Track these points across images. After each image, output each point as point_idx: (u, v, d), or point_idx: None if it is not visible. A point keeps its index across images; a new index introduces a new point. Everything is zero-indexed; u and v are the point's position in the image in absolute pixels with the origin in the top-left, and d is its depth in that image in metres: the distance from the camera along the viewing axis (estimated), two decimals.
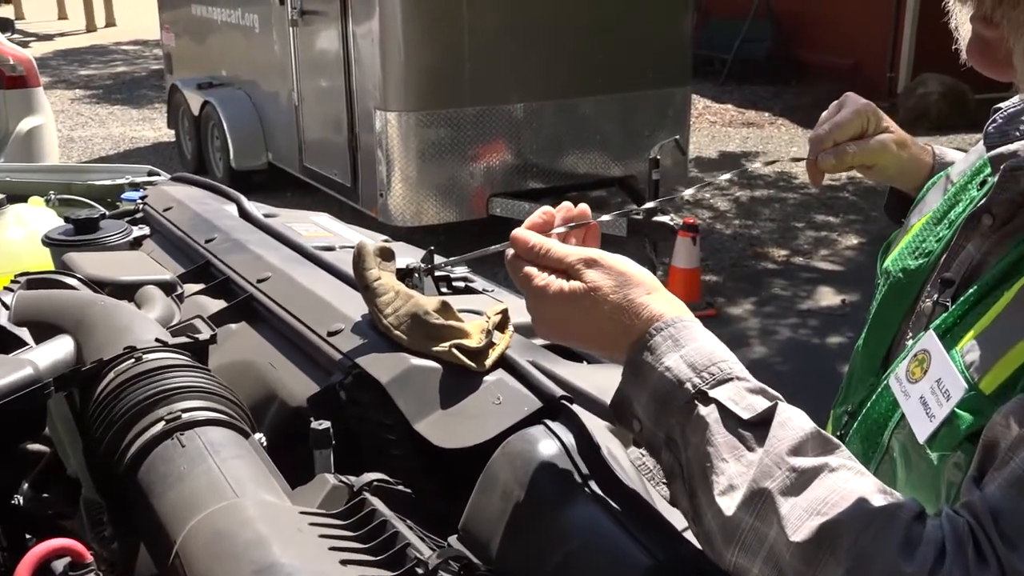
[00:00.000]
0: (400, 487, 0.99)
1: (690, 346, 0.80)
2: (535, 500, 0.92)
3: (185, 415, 1.04)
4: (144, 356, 1.15)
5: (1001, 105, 1.03)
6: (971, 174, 1.07)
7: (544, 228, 0.95)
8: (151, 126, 10.80)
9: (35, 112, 5.99)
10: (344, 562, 0.87)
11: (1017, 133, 0.99)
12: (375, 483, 0.98)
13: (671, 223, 5.43)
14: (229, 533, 0.88)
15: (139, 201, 2.08)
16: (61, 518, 1.19)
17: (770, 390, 0.80)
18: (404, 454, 1.13)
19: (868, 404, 1.04)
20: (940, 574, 0.66)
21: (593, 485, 0.91)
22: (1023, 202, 0.93)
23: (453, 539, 0.96)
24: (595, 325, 0.85)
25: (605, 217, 1.12)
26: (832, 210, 7.45)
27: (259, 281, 1.51)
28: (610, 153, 6.45)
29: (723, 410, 0.77)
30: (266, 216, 1.91)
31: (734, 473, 0.74)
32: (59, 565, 0.95)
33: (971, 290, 0.94)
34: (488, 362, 1.11)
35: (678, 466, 0.78)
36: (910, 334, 1.03)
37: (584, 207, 0.99)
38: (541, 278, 0.88)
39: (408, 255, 1.45)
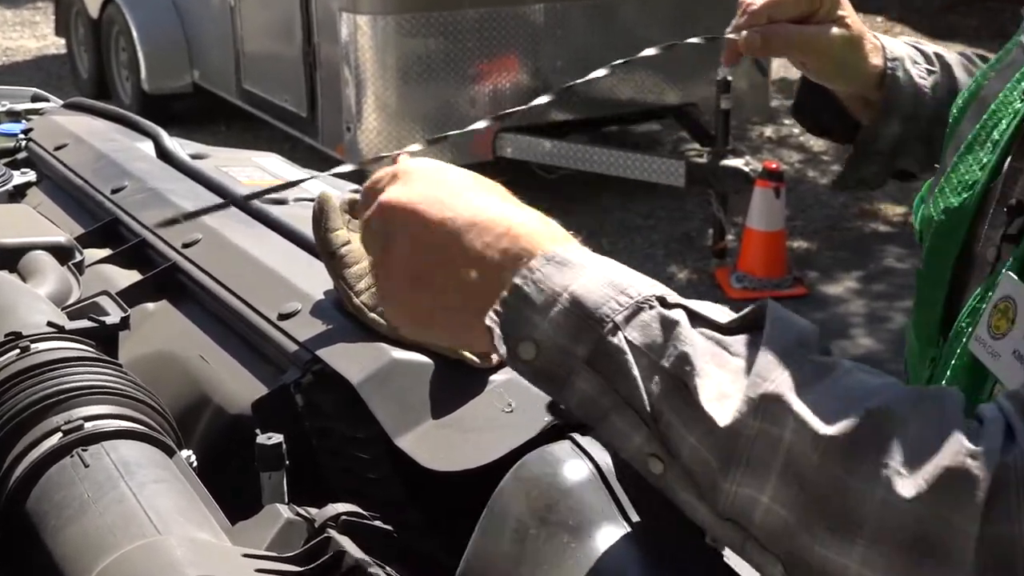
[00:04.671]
0: (376, 522, 1.01)
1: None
2: (559, 542, 0.93)
3: (88, 424, 1.06)
4: (32, 346, 1.17)
5: None
6: (1009, 88, 1.14)
7: None
8: (32, 32, 10.80)
9: None
10: None
11: None
12: (343, 517, 0.99)
13: (745, 168, 5.43)
14: None
15: (21, 136, 2.10)
16: None
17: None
18: (382, 478, 1.15)
19: (936, 383, 1.10)
20: (1013, 450, 0.71)
21: (636, 521, 0.93)
22: None
23: None
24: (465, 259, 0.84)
25: (479, 124, 1.14)
26: None
27: (185, 245, 1.52)
28: (663, 73, 6.43)
29: (692, 314, 0.79)
30: (193, 157, 1.92)
31: (723, 379, 0.76)
32: None
33: None
34: (497, 356, 1.13)
35: (612, 393, 0.78)
36: (973, 288, 1.09)
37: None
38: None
39: None
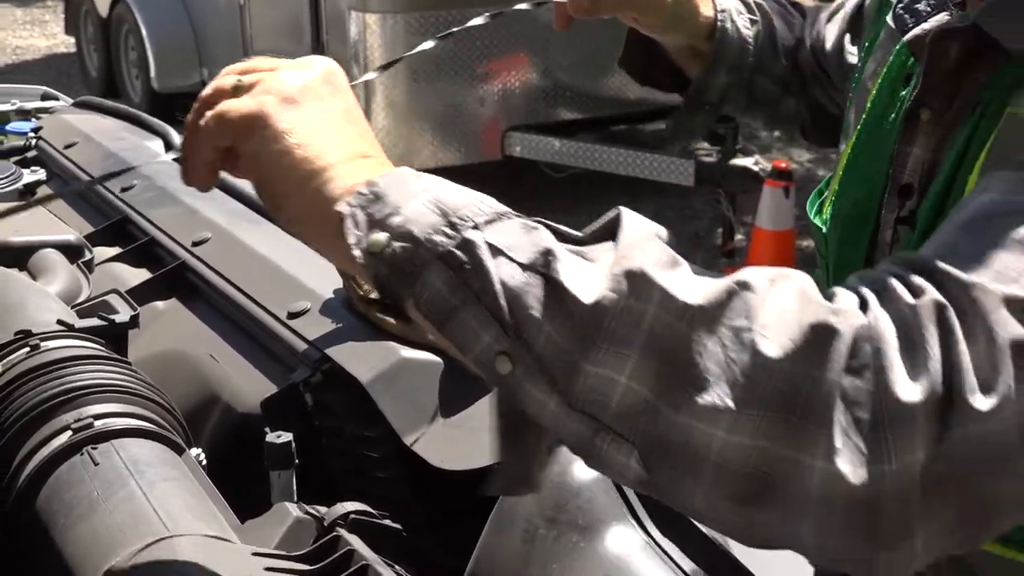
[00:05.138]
0: (386, 521, 1.01)
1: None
2: (569, 543, 0.94)
3: (98, 423, 1.06)
4: (42, 344, 1.17)
5: None
6: (886, 74, 1.15)
7: None
8: (42, 31, 10.82)
9: None
10: None
11: (927, 8, 1.08)
12: (352, 515, 0.99)
13: (755, 168, 5.42)
14: None
15: (31, 135, 2.10)
16: None
17: None
18: (391, 478, 1.15)
19: None
20: (867, 314, 0.72)
21: (648, 523, 0.93)
22: (957, 79, 1.00)
23: None
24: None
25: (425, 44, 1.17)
26: None
27: (195, 244, 1.53)
28: None
29: (552, 228, 0.78)
30: None
31: (586, 268, 0.75)
32: None
33: (928, 198, 1.02)
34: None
35: (465, 288, 0.74)
36: None
37: None
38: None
39: None
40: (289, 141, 0.82)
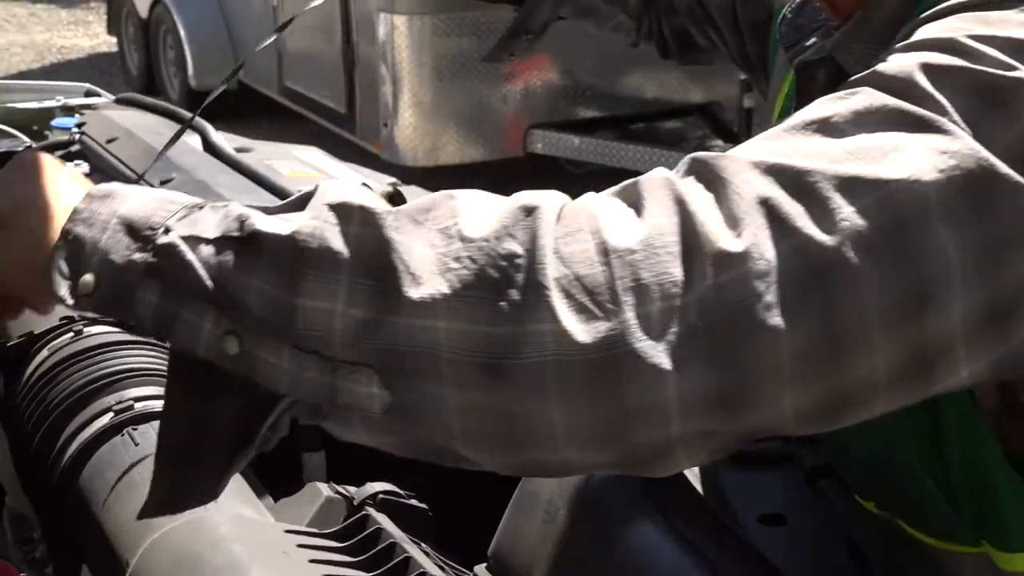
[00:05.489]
0: (412, 501, 1.01)
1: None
2: (588, 522, 0.93)
3: (139, 405, 1.07)
4: (85, 330, 1.18)
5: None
6: (785, 93, 1.16)
7: None
8: (85, 32, 10.87)
9: None
10: None
11: (809, 23, 1.08)
12: (380, 495, 1.00)
13: None
14: (196, 556, 0.90)
15: (75, 130, 2.11)
16: None
17: None
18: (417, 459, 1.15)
19: None
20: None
21: (663, 501, 0.93)
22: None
23: (480, 568, 0.98)
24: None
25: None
26: None
27: None
28: (688, 71, 6.41)
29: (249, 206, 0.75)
30: (238, 151, 1.93)
31: (285, 217, 0.71)
32: None
33: None
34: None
35: (175, 289, 0.71)
36: None
37: None
38: None
39: None
40: None
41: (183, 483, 0.74)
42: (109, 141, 1.97)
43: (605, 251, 0.67)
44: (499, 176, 5.81)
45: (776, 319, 0.66)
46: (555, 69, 6.13)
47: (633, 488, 0.95)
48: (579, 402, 0.66)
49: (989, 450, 0.85)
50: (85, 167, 1.92)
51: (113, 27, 8.93)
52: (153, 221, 0.73)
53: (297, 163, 2.04)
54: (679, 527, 0.91)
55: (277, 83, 7.23)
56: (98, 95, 2.42)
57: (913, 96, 0.71)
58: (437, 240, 0.69)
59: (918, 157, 0.68)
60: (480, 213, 0.70)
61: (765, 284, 0.66)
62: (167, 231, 0.72)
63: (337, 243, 0.69)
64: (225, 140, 1.97)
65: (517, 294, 0.66)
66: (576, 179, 6.12)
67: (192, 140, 1.99)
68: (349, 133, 6.52)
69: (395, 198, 1.32)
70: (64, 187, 0.78)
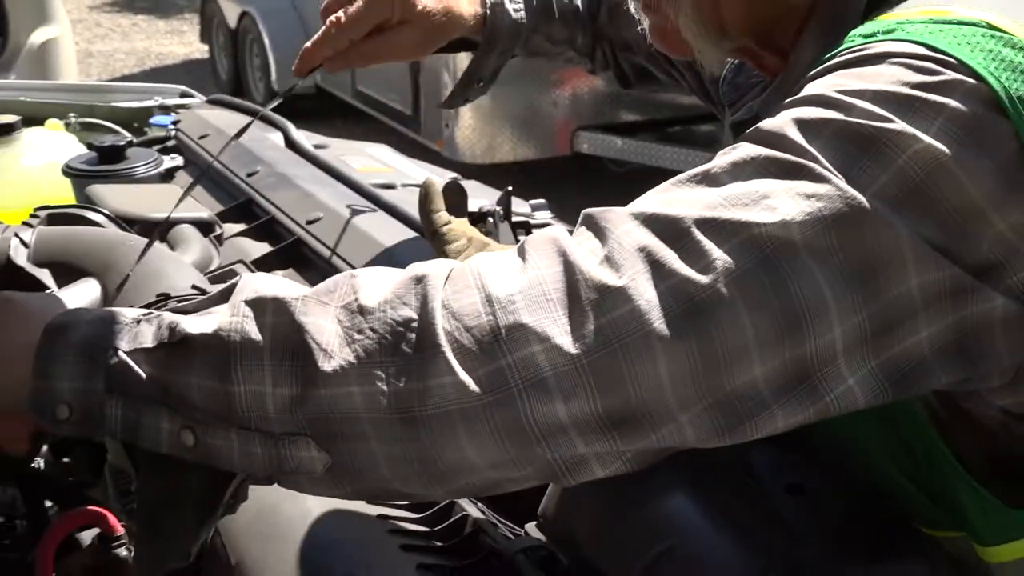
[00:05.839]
0: None
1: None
2: (627, 486, 0.93)
3: None
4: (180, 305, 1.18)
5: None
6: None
7: None
8: (180, 40, 10.96)
9: (49, 21, 6.08)
10: (406, 547, 0.89)
11: (747, 81, 1.07)
12: None
13: None
14: (278, 510, 0.91)
15: (171, 127, 2.13)
16: (84, 487, 1.24)
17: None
18: None
19: None
20: None
21: (700, 474, 0.92)
22: None
23: (531, 527, 0.98)
24: None
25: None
26: None
27: (309, 223, 1.54)
28: None
29: (176, 308, 0.78)
30: (316, 147, 1.94)
31: (209, 316, 0.74)
32: (87, 537, 0.99)
33: None
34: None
35: (135, 401, 0.74)
36: None
37: None
38: None
39: (480, 196, 1.46)
40: None
41: (160, 551, 0.78)
42: (201, 137, 1.99)
43: (490, 301, 0.69)
44: (548, 174, 5.80)
45: (654, 350, 0.67)
46: (599, 77, 6.10)
47: (671, 460, 0.94)
48: (487, 440, 0.69)
49: (946, 458, 0.84)
50: (180, 160, 1.93)
51: (205, 36, 9.00)
52: (103, 344, 0.75)
53: (368, 159, 2.04)
54: (709, 493, 0.90)
55: (351, 87, 7.27)
56: (191, 96, 2.44)
57: (785, 147, 0.72)
58: (342, 316, 0.71)
59: (786, 201, 0.69)
60: (377, 287, 0.72)
61: (642, 321, 0.67)
62: (115, 351, 0.74)
63: (255, 334, 0.71)
64: (304, 137, 1.98)
65: (415, 354, 0.69)
66: (618, 176, 6.11)
67: (275, 137, 2.00)
68: (414, 133, 6.54)
69: (457, 191, 1.33)
70: (25, 327, 0.79)
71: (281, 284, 0.75)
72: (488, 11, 1.33)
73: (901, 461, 0.87)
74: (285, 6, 7.80)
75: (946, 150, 0.70)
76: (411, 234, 1.44)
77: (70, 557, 0.97)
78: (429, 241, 1.26)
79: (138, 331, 0.75)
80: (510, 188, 1.48)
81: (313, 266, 1.49)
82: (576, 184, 5.84)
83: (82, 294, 1.28)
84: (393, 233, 1.45)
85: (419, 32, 1.25)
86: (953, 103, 0.71)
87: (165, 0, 12.98)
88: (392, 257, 1.37)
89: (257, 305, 0.73)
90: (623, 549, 0.90)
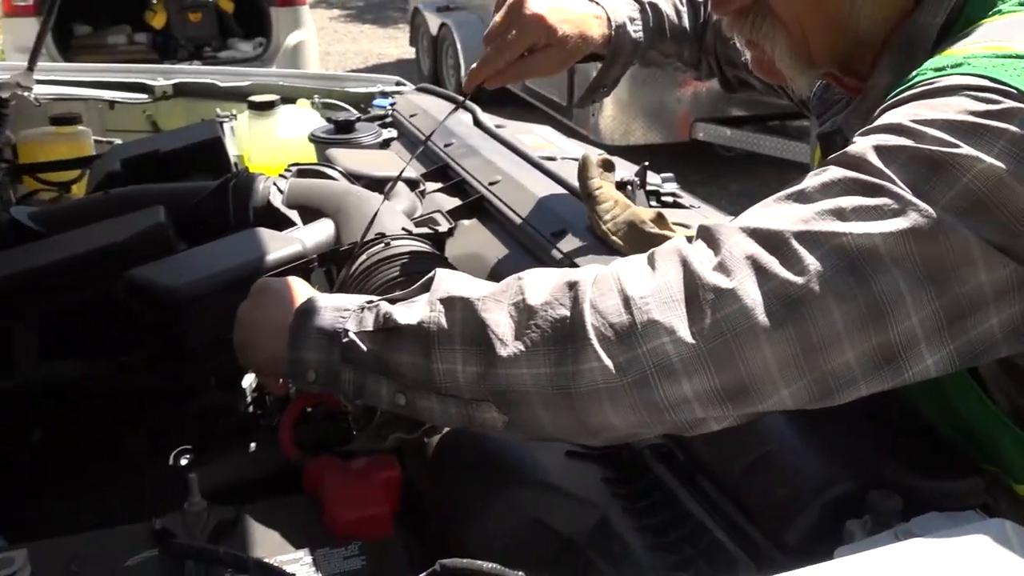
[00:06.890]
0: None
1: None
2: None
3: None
4: (392, 242, 1.19)
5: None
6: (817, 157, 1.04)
7: None
8: (395, 44, 11.09)
9: (301, 27, 6.28)
10: (570, 453, 0.88)
11: (835, 96, 1.01)
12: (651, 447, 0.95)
13: None
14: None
15: (389, 108, 2.14)
16: None
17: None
18: None
19: None
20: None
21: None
22: None
23: None
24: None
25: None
26: None
27: (490, 184, 1.52)
28: None
29: (388, 297, 0.82)
30: (496, 126, 1.91)
31: (412, 306, 0.78)
32: (316, 414, 1.01)
33: None
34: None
35: (363, 371, 0.79)
36: None
37: None
38: None
39: (622, 169, 1.42)
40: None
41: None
42: (411, 116, 1.99)
43: (627, 302, 0.69)
44: (671, 155, 5.67)
45: (759, 338, 0.66)
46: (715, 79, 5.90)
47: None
48: (628, 411, 0.69)
49: (987, 407, 0.79)
50: (394, 133, 1.94)
51: (413, 41, 9.08)
52: (336, 327, 0.81)
53: (536, 136, 2.00)
54: (803, 415, 0.85)
55: (521, 83, 7.23)
56: (404, 85, 2.45)
57: (866, 169, 0.68)
58: (513, 312, 0.73)
59: (867, 215, 0.67)
60: (539, 289, 0.73)
61: (749, 315, 0.66)
62: (347, 332, 0.80)
63: (448, 325, 0.75)
64: (488, 118, 1.95)
65: (570, 344, 0.70)
66: (726, 159, 5.92)
67: (465, 118, 1.98)
68: (567, 120, 6.48)
69: (607, 164, 1.28)
70: (280, 310, 0.87)
71: (466, 283, 0.78)
72: (613, 32, 1.27)
73: (944, 407, 0.82)
74: (474, 20, 7.79)
75: (1005, 167, 0.66)
76: (568, 196, 1.41)
77: (307, 424, 0.99)
78: (584, 201, 1.23)
79: (362, 317, 0.80)
80: (647, 163, 1.43)
81: (492, 217, 1.47)
82: (694, 164, 5.70)
83: (320, 230, 1.30)
84: (554, 194, 1.42)
85: (560, 53, 1.19)
86: (1013, 128, 0.66)
87: (385, 13, 13.15)
88: (553, 212, 1.34)
89: (449, 303, 0.76)
90: (728, 451, 0.86)
